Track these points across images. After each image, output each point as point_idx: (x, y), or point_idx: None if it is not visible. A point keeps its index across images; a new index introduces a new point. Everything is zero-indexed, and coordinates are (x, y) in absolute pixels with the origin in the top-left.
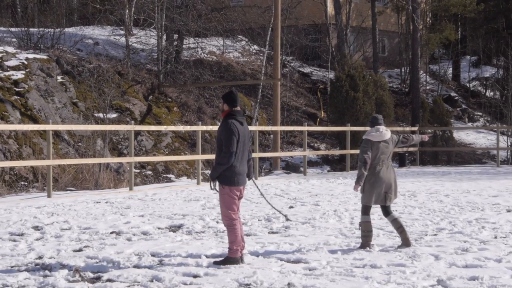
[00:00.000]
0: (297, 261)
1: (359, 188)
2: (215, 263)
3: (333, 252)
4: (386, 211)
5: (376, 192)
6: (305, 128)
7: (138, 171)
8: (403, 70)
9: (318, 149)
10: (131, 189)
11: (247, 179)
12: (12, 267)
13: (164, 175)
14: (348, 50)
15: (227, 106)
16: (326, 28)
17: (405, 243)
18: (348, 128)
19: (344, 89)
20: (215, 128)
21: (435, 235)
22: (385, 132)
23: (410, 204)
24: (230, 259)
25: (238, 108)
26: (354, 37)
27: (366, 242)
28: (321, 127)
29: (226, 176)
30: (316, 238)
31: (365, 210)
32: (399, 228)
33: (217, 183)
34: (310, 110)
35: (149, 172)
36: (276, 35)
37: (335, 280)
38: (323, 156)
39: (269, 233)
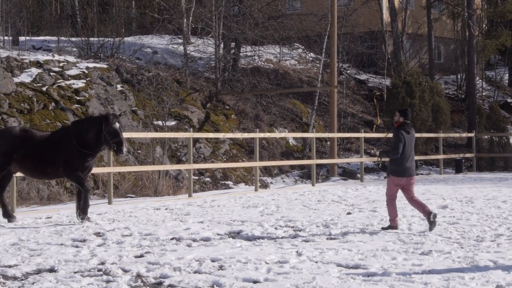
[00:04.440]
0: (356, 267)
1: None
2: (383, 228)
3: (392, 258)
4: None
5: None
6: (361, 134)
7: (197, 178)
8: (459, 77)
9: (375, 155)
10: (190, 195)
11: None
12: (75, 272)
13: (222, 182)
14: (404, 57)
15: (403, 118)
16: (382, 35)
17: None
18: None
19: (400, 95)
20: (273, 135)
21: (493, 241)
22: None
23: (467, 210)
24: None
25: (408, 121)
26: (410, 44)
27: None
28: (377, 134)
29: (396, 170)
30: (375, 244)
31: None
32: None
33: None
34: (367, 116)
35: (208, 179)
36: (332, 43)
37: (394, 286)
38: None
39: (327, 239)
